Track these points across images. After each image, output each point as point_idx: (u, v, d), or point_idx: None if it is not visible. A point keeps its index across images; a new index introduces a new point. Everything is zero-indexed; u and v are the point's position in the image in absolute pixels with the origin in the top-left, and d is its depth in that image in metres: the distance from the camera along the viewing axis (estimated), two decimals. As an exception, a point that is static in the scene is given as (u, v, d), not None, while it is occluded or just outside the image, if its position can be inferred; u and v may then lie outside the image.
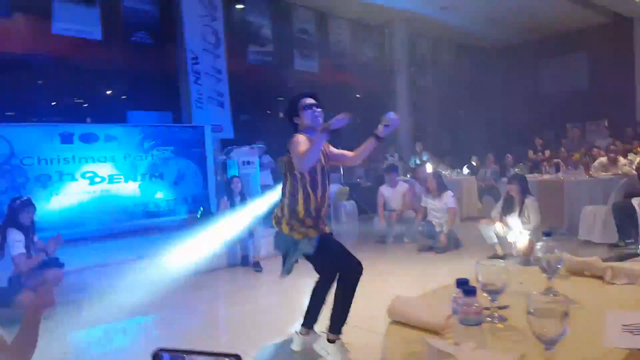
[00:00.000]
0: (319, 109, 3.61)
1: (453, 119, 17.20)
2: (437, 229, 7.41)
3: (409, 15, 13.80)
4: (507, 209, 6.54)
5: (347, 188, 10.94)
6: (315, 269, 3.77)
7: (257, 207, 7.42)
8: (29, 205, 5.38)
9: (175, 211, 8.80)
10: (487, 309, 1.60)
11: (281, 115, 12.32)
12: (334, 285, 3.63)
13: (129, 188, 8.28)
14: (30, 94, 10.01)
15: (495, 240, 6.59)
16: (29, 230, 5.32)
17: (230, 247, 7.18)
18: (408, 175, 11.12)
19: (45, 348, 2.02)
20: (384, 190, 8.39)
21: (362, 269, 3.54)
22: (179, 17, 9.99)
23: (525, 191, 6.47)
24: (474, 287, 1.44)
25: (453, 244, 7.39)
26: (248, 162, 8.60)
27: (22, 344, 1.96)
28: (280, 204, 3.64)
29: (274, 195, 7.95)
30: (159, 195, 8.57)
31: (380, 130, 3.56)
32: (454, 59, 16.74)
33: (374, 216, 8.63)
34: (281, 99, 12.37)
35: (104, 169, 8.00)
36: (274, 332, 4.41)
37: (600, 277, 2.01)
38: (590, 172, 8.37)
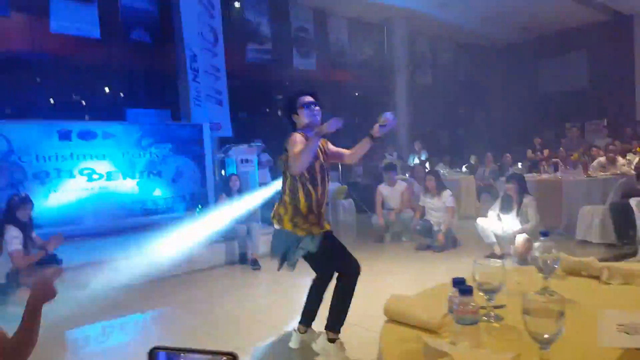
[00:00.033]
0: (317, 107, 3.59)
1: (452, 118, 17.21)
2: (435, 227, 7.42)
3: (408, 13, 13.79)
4: (504, 208, 6.55)
5: (346, 186, 10.93)
6: (314, 267, 3.77)
7: (255, 205, 7.44)
8: (27, 202, 5.39)
9: (174, 209, 8.79)
10: (483, 308, 1.60)
11: (280, 113, 12.35)
12: (331, 284, 3.64)
13: (127, 185, 8.27)
14: (28, 91, 10.02)
15: (493, 239, 6.60)
16: (26, 227, 5.33)
17: (228, 245, 7.20)
18: (407, 174, 11.12)
19: (42, 346, 2.02)
20: (383, 188, 8.39)
21: (360, 269, 3.57)
22: (178, 15, 9.97)
23: (523, 190, 6.48)
24: (470, 286, 1.44)
25: (451, 243, 7.40)
26: (246, 161, 8.61)
27: (23, 337, 1.95)
28: (280, 202, 3.63)
29: (272, 193, 8.02)
30: (157, 192, 8.56)
31: (376, 130, 3.55)
32: (453, 57, 16.75)
33: (372, 215, 8.62)
34: (280, 97, 12.38)
35: (102, 167, 7.99)
36: (271, 330, 4.42)
37: (597, 277, 2.01)
38: (589, 172, 8.38)
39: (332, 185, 9.15)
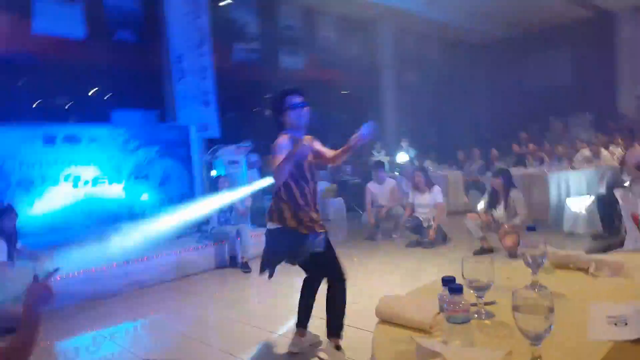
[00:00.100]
0: (305, 108, 3.58)
1: (439, 115, 17.25)
2: (425, 224, 7.44)
3: (394, 11, 13.80)
4: (492, 203, 6.59)
5: (335, 185, 10.94)
6: (309, 268, 3.74)
7: (244, 206, 7.42)
8: (10, 211, 5.31)
9: (162, 213, 8.73)
10: (474, 305, 1.61)
11: (268, 113, 12.31)
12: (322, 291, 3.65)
13: (114, 190, 8.17)
14: (10, 94, 9.86)
15: (481, 234, 6.64)
16: (11, 237, 5.25)
17: (218, 248, 7.17)
18: (396, 172, 11.15)
19: (32, 357, 1.99)
20: (372, 186, 8.41)
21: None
22: (163, 15, 9.88)
23: (509, 185, 6.52)
24: (460, 285, 1.44)
25: (441, 239, 7.44)
26: (235, 162, 8.57)
27: (22, 342, 1.93)
28: (277, 199, 3.56)
29: (256, 189, 7.99)
30: (145, 197, 8.49)
31: (354, 140, 3.51)
32: (439, 54, 16.79)
33: (362, 213, 8.63)
34: (268, 96, 12.34)
35: (88, 172, 7.85)
36: (264, 333, 4.41)
37: (585, 270, 2.03)
38: (574, 165, 8.44)
39: (321, 185, 9.17)
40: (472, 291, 1.63)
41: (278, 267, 3.64)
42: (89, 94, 11.30)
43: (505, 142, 13.29)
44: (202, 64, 10.28)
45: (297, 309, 3.87)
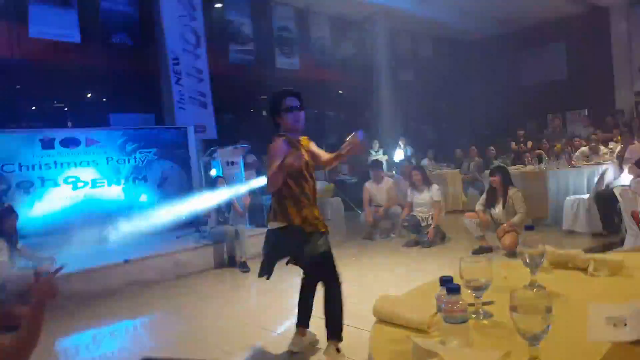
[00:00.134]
0: (301, 111, 3.57)
1: (435, 113, 17.27)
2: (423, 223, 7.43)
3: (387, 10, 13.81)
4: (490, 201, 6.57)
5: (333, 185, 10.94)
6: (306, 267, 3.71)
7: (243, 207, 7.43)
8: (11, 212, 5.34)
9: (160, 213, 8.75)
10: (471, 305, 1.60)
11: (264, 113, 12.32)
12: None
13: (113, 192, 8.21)
14: (9, 99, 9.88)
15: (481, 233, 6.63)
16: (11, 238, 5.27)
17: (217, 248, 7.18)
18: (394, 171, 11.15)
19: (32, 355, 2.00)
20: (370, 186, 8.40)
21: None
22: (159, 18, 9.90)
23: (507, 182, 6.50)
24: (457, 285, 1.43)
25: (439, 238, 7.43)
26: (232, 163, 8.58)
27: (24, 340, 1.94)
28: (280, 197, 3.52)
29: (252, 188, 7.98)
30: (143, 198, 8.50)
31: (345, 148, 3.51)
32: (433, 52, 16.81)
33: (360, 212, 8.62)
34: (264, 97, 12.34)
35: (87, 174, 7.93)
36: (262, 333, 4.42)
37: (584, 270, 2.02)
38: (573, 162, 8.43)
39: (319, 184, 9.16)
40: (469, 291, 1.62)
41: (277, 267, 3.62)
42: (87, 97, 11.32)
43: (503, 140, 13.30)
44: (198, 66, 10.30)
45: (296, 308, 3.87)
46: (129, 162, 8.42)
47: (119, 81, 10.57)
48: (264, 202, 8.99)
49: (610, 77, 14.54)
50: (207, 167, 8.93)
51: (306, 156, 3.56)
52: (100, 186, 8.05)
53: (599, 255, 2.07)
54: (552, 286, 1.72)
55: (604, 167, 8.02)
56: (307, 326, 3.85)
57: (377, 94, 14.74)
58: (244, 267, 6.71)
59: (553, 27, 15.14)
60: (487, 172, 8.38)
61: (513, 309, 1.23)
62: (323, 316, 3.59)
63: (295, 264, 3.63)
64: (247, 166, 9.31)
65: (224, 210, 7.34)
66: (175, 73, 9.96)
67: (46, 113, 10.64)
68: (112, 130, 8.57)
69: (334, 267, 3.57)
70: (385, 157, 12.84)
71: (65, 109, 11.11)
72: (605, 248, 5.23)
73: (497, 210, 6.46)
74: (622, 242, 5.67)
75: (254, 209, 8.56)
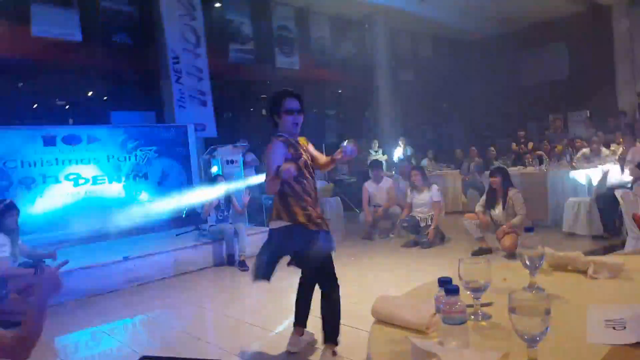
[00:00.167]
0: (300, 115, 3.56)
1: (435, 113, 17.27)
2: (422, 224, 7.41)
3: (387, 9, 13.83)
4: (490, 202, 6.55)
5: (332, 184, 10.94)
6: (306, 265, 3.65)
7: (242, 205, 7.44)
8: (12, 208, 5.34)
9: (160, 211, 8.77)
10: (470, 306, 1.60)
11: (264, 112, 12.33)
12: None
13: (113, 189, 8.24)
14: (11, 97, 9.92)
15: (480, 234, 6.61)
16: (13, 234, 5.28)
17: (216, 246, 7.18)
18: (393, 171, 11.14)
19: (33, 351, 2.00)
20: (369, 186, 8.39)
21: None
22: (159, 17, 9.93)
23: (507, 183, 6.47)
24: (456, 286, 1.43)
25: (439, 239, 7.41)
26: (232, 161, 8.59)
27: (27, 335, 1.94)
28: (281, 196, 3.49)
29: (258, 193, 8.00)
30: (144, 195, 8.53)
31: (338, 155, 3.50)
32: (434, 52, 16.81)
33: (359, 212, 8.62)
34: (264, 96, 12.36)
35: (88, 171, 7.97)
36: (261, 332, 4.42)
37: (584, 272, 2.01)
38: (574, 164, 8.41)
39: (318, 184, 9.15)
40: (468, 292, 1.62)
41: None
42: (88, 95, 11.34)
43: (503, 140, 13.29)
44: (198, 65, 10.33)
45: (294, 308, 3.87)
46: (129, 159, 8.45)
47: (119, 79, 10.61)
48: (263, 202, 9.00)
49: (612, 77, 14.47)
50: (207, 166, 8.94)
51: (305, 155, 3.56)
52: (101, 183, 8.09)
53: (598, 258, 2.06)
54: (551, 288, 1.72)
55: (605, 169, 7.99)
56: (305, 326, 3.84)
57: (376, 93, 14.76)
58: (243, 266, 6.71)
59: (554, 26, 15.09)
60: (487, 172, 8.37)
61: (511, 310, 1.23)
62: (320, 316, 3.58)
63: (296, 264, 3.61)
64: (246, 164, 9.31)
65: (224, 209, 7.34)
66: (175, 72, 9.99)
67: (48, 111, 10.65)
68: (113, 128, 8.60)
69: (329, 270, 3.56)
70: (385, 157, 12.84)
71: (67, 106, 11.14)
72: (606, 251, 5.23)
73: (497, 211, 6.43)
74: (623, 245, 5.66)
75: (253, 208, 8.58)
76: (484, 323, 1.59)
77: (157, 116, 10.35)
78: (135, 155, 8.51)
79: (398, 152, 13.04)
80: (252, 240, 6.95)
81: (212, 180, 7.61)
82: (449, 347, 1.35)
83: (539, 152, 9.97)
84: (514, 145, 12.60)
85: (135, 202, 8.42)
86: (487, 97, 15.49)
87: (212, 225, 7.29)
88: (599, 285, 1.91)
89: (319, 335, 3.73)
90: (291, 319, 3.89)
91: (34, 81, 10.00)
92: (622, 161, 7.58)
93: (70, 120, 10.21)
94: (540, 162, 8.90)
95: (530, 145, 12.17)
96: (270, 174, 3.30)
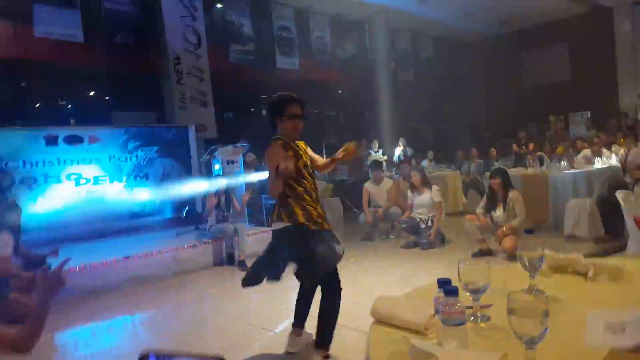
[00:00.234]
0: (301, 121, 3.58)
1: (436, 113, 17.26)
2: (422, 225, 7.39)
3: (387, 10, 13.84)
4: (490, 204, 6.52)
5: (332, 185, 10.93)
6: (309, 266, 3.55)
7: (242, 205, 7.45)
8: (15, 208, 5.36)
9: (161, 211, 8.80)
10: (469, 308, 1.60)
11: (264, 113, 12.34)
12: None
13: (114, 189, 8.27)
14: (13, 97, 9.97)
15: (480, 236, 6.58)
16: (15, 232, 5.29)
17: (216, 245, 7.19)
18: (393, 172, 11.13)
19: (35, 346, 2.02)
20: (369, 186, 8.36)
21: None
22: (160, 18, 9.97)
23: (508, 185, 6.43)
24: (455, 287, 1.43)
25: (439, 240, 7.38)
26: (232, 162, 8.58)
27: (30, 331, 1.96)
28: (282, 200, 3.50)
29: (257, 193, 8.00)
30: (144, 195, 8.55)
31: (339, 155, 3.54)
32: (434, 52, 16.81)
33: (359, 212, 8.60)
34: (264, 97, 12.38)
35: (89, 171, 8.00)
36: (260, 332, 4.42)
37: (584, 274, 2.01)
38: (575, 165, 8.38)
39: (318, 184, 9.15)
40: (468, 294, 1.62)
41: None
42: (90, 96, 11.39)
43: (504, 141, 13.27)
44: (199, 65, 10.37)
45: (294, 308, 3.87)
46: (130, 159, 8.48)
47: (121, 80, 10.64)
48: (263, 202, 9.01)
49: (614, 78, 14.46)
50: (208, 166, 8.95)
51: (304, 156, 3.57)
52: (102, 183, 8.12)
53: (598, 260, 2.06)
54: (551, 290, 1.71)
55: (606, 170, 7.97)
56: (303, 327, 3.84)
57: (377, 94, 14.75)
58: (242, 266, 6.70)
59: (555, 27, 15.11)
60: (488, 173, 8.35)
61: (510, 312, 1.23)
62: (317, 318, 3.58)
63: (300, 272, 3.57)
64: (246, 165, 9.31)
65: (224, 209, 7.35)
66: (176, 72, 10.02)
67: (50, 111, 10.71)
68: (114, 129, 8.63)
69: (332, 275, 3.54)
70: (385, 157, 12.83)
71: (69, 107, 11.19)
72: (607, 253, 5.20)
73: (498, 213, 6.40)
74: (624, 248, 5.63)
75: (253, 208, 8.58)
76: (483, 324, 1.59)
77: (158, 117, 10.38)
78: (136, 156, 8.54)
79: (398, 153, 13.04)
80: (252, 241, 6.99)
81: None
82: (448, 348, 1.35)
83: (540, 153, 9.95)
84: (514, 146, 12.59)
85: (136, 202, 8.44)
86: (487, 98, 15.49)
87: (212, 225, 7.30)
88: (598, 288, 1.90)
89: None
90: (290, 319, 3.88)
91: (36, 82, 10.06)
92: (624, 163, 7.55)
93: (72, 121, 10.24)
94: (541, 163, 8.88)
95: (531, 146, 12.16)
96: (272, 175, 3.31)
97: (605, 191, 7.13)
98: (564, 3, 13.85)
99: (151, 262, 6.65)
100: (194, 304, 5.63)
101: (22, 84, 10.28)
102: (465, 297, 1.55)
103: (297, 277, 3.60)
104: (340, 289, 3.55)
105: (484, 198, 6.72)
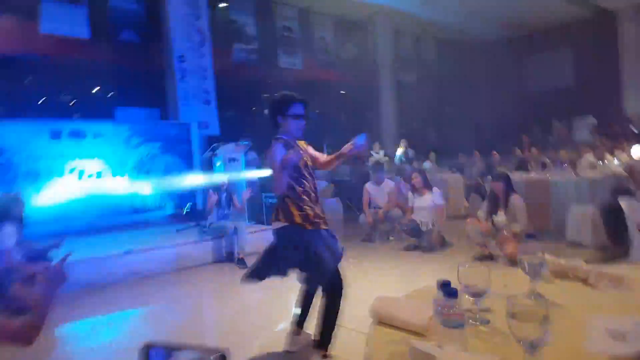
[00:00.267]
0: (304, 120, 3.57)
1: (438, 116, 17.24)
2: (423, 227, 7.36)
3: (390, 11, 13.83)
4: (492, 208, 6.48)
5: (332, 185, 10.90)
6: (310, 267, 3.54)
7: (242, 203, 7.47)
8: (18, 200, 5.39)
9: (162, 207, 8.81)
10: (469, 311, 1.59)
11: (266, 112, 12.37)
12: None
13: (117, 184, 8.30)
14: (19, 91, 10.03)
15: (482, 240, 6.54)
16: (19, 225, 5.31)
17: (216, 243, 7.19)
18: (394, 173, 11.11)
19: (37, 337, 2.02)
20: (370, 187, 8.32)
21: None
22: (165, 16, 10.01)
23: (509, 189, 6.39)
24: (455, 289, 1.43)
25: (440, 243, 7.34)
26: (234, 159, 8.59)
27: (33, 323, 1.98)
28: (281, 200, 3.51)
29: (258, 192, 7.99)
30: (146, 190, 8.57)
31: (347, 148, 3.50)
32: (437, 54, 16.80)
33: (359, 213, 8.57)
34: (266, 95, 12.39)
35: (92, 165, 8.04)
36: (259, 329, 4.43)
37: (585, 280, 2.00)
38: (578, 170, 8.33)
39: (318, 184, 9.14)
40: (468, 296, 1.61)
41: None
42: (93, 91, 11.44)
43: (507, 145, 13.24)
44: (202, 64, 10.41)
45: (294, 307, 3.87)
46: (133, 155, 8.51)
47: (125, 76, 10.70)
48: (264, 200, 9.00)
49: (618, 83, 14.40)
50: (209, 163, 8.95)
51: (305, 156, 3.56)
52: (105, 178, 8.16)
53: (599, 267, 2.05)
54: (551, 295, 1.71)
55: (609, 176, 7.92)
56: (303, 327, 3.83)
57: (379, 94, 14.74)
58: (241, 263, 6.69)
59: (559, 32, 15.06)
60: (490, 177, 8.31)
61: (510, 316, 1.22)
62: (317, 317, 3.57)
63: (302, 272, 3.57)
64: (247, 163, 9.31)
65: (224, 207, 7.36)
66: (180, 70, 10.05)
67: (54, 106, 10.75)
68: (118, 124, 8.66)
69: (335, 277, 3.53)
70: (386, 158, 12.81)
71: (73, 102, 11.24)
72: (610, 260, 5.16)
73: (500, 217, 6.37)
74: (627, 254, 5.59)
75: (253, 206, 8.58)
76: (483, 328, 1.58)
77: (161, 113, 10.40)
78: (139, 152, 8.56)
79: (399, 154, 13.02)
80: (252, 239, 7.00)
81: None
82: (448, 349, 1.34)
83: (543, 158, 9.93)
84: (517, 150, 12.56)
85: (138, 197, 8.46)
86: (491, 102, 15.46)
87: (212, 223, 7.30)
88: (599, 294, 1.90)
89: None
90: (290, 318, 3.87)
91: (42, 77, 10.11)
92: (627, 169, 7.50)
93: (76, 116, 10.29)
94: (544, 168, 8.85)
95: (534, 150, 12.12)
96: (277, 170, 3.33)
97: (608, 198, 7.09)
98: (568, 8, 13.81)
99: (152, 258, 6.68)
100: (193, 301, 5.65)
101: (28, 79, 10.33)
102: (465, 300, 1.54)
103: (303, 283, 3.59)
104: (342, 290, 3.54)
105: (486, 202, 6.68)
